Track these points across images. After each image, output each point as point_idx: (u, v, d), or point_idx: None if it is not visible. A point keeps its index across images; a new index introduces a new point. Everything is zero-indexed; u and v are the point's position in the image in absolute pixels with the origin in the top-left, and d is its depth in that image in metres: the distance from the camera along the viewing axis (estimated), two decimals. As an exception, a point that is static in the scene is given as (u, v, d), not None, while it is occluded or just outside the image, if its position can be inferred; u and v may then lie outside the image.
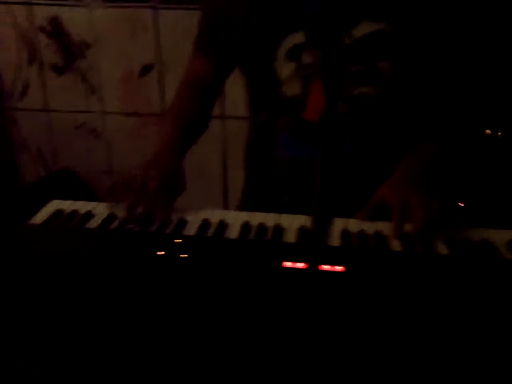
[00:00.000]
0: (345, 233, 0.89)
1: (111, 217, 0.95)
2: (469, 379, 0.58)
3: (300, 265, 0.75)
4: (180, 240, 0.85)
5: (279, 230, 0.90)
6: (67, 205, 1.01)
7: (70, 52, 1.96)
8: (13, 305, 0.70)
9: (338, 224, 0.92)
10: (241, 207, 1.25)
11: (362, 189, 0.98)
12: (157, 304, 0.70)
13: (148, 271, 0.77)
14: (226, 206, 2.10)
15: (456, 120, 1.12)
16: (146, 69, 1.93)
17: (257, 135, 1.18)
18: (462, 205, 1.07)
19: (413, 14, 0.98)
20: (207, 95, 1.21)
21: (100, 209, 0.98)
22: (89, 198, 1.07)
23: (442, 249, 0.86)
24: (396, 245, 0.87)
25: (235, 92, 1.36)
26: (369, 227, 0.92)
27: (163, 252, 0.80)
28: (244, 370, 0.58)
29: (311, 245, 0.50)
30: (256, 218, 0.94)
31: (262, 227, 0.91)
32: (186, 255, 0.80)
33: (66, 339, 0.63)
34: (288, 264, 0.76)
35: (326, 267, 0.74)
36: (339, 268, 0.75)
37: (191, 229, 0.92)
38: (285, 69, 1.03)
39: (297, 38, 1.00)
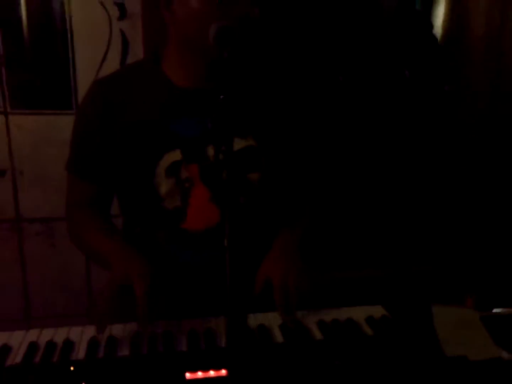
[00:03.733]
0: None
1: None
2: None
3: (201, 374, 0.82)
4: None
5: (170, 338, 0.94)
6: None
7: None
8: None
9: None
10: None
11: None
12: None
13: None
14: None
15: (313, 204, 1.30)
16: (-1, 174, 1.84)
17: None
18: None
19: (273, 130, 1.13)
20: (98, 210, 1.16)
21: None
22: None
23: (317, 334, 0.97)
24: (278, 335, 0.96)
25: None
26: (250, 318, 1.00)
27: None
28: None
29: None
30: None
31: (153, 337, 0.95)
32: None
33: None
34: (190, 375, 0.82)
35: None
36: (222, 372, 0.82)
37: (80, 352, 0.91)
38: (165, 185, 1.06)
39: (174, 156, 1.05)
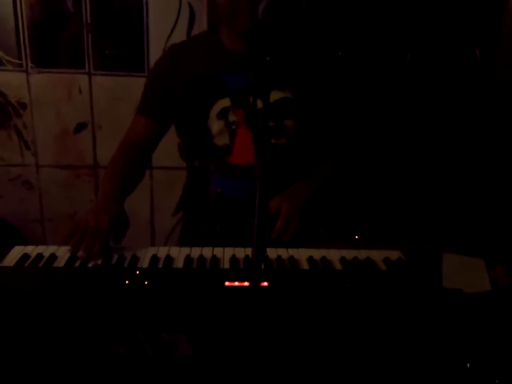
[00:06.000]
0: (266, 258, 1.17)
1: (73, 257, 1.14)
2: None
3: (237, 283, 1.02)
4: (138, 272, 1.08)
5: (215, 259, 1.16)
6: (31, 250, 1.16)
7: (6, 111, 2.10)
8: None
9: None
10: (180, 237, 1.50)
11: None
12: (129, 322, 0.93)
13: (119, 298, 0.99)
14: (153, 245, 2.30)
15: (338, 153, 1.48)
16: (80, 127, 2.15)
17: (193, 176, 1.44)
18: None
19: (307, 85, 1.32)
20: (145, 151, 1.42)
21: (61, 252, 1.16)
22: (22, 244, 1.20)
23: (338, 266, 1.14)
24: (304, 265, 1.16)
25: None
26: (283, 252, 1.20)
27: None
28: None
29: (252, 269, 0.78)
30: (195, 251, 1.19)
31: (201, 258, 1.16)
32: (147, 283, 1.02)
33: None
34: (228, 283, 1.02)
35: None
36: (265, 283, 1.03)
37: (143, 263, 1.14)
38: (216, 126, 1.31)
39: (224, 103, 1.30)
